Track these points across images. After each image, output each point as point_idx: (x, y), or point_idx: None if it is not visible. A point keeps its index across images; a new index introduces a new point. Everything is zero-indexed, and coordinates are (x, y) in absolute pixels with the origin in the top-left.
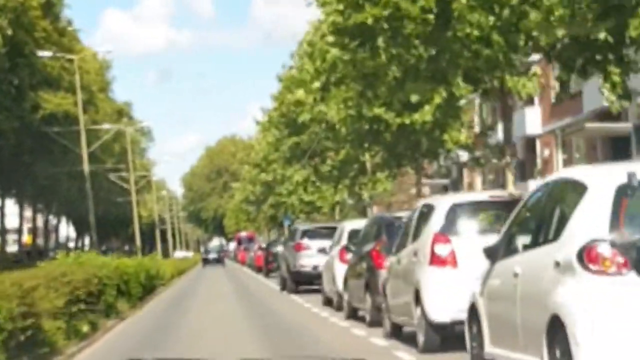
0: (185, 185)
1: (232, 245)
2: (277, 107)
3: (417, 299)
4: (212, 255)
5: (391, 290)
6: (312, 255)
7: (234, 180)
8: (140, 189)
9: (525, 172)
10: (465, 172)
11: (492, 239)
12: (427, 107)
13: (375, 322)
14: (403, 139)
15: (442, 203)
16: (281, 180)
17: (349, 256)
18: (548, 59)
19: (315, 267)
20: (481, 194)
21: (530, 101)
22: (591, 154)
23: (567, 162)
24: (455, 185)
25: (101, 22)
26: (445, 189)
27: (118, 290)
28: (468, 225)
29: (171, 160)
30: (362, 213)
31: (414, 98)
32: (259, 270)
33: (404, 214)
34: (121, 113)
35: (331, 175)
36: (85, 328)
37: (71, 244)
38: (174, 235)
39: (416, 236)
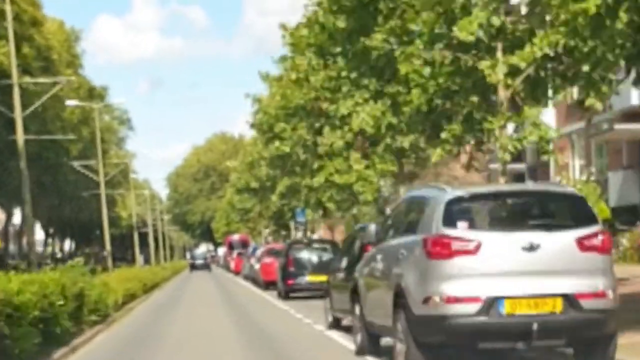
0: (170, 186)
1: (222, 251)
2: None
3: None
4: (199, 261)
5: None
6: (486, 273)
7: (223, 181)
8: (117, 185)
9: None
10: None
11: None
12: None
13: None
14: None
15: None
16: (329, 117)
17: None
18: None
19: (487, 307)
20: None
21: None
22: None
23: None
24: (535, 173)
25: (94, 29)
26: (520, 178)
27: None
28: None
29: (157, 159)
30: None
31: None
32: (267, 286)
33: None
34: (93, 94)
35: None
36: None
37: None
38: (156, 239)
39: None
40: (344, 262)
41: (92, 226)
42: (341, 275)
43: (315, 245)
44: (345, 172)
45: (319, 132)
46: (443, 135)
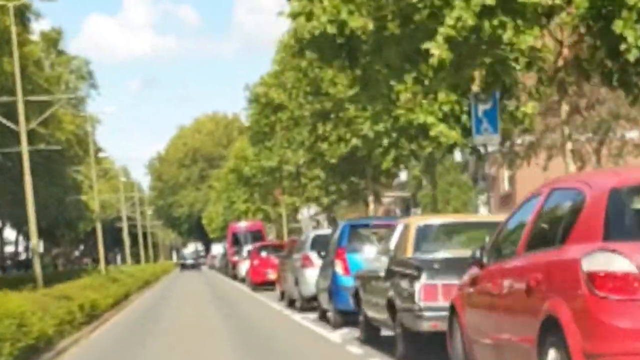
0: (152, 174)
1: (217, 249)
2: None
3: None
4: (189, 261)
5: None
6: None
7: (214, 166)
8: (74, 159)
9: None
10: None
11: None
12: None
13: None
14: None
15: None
16: None
17: None
18: None
19: None
20: None
21: None
22: None
23: None
24: None
25: (85, 28)
26: None
27: None
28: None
29: (148, 157)
30: None
31: None
32: None
33: None
34: (23, 14)
35: None
36: None
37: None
38: (131, 235)
39: None
40: None
41: (57, 222)
42: None
43: None
44: None
45: None
46: None
